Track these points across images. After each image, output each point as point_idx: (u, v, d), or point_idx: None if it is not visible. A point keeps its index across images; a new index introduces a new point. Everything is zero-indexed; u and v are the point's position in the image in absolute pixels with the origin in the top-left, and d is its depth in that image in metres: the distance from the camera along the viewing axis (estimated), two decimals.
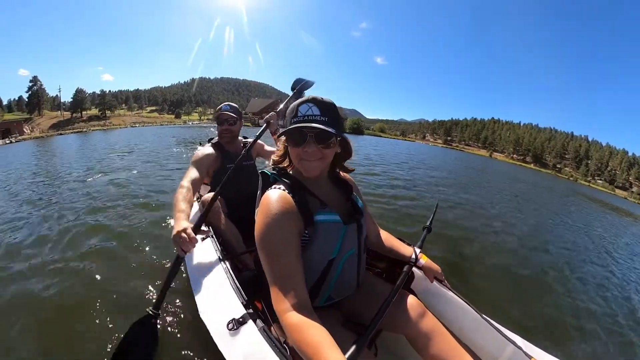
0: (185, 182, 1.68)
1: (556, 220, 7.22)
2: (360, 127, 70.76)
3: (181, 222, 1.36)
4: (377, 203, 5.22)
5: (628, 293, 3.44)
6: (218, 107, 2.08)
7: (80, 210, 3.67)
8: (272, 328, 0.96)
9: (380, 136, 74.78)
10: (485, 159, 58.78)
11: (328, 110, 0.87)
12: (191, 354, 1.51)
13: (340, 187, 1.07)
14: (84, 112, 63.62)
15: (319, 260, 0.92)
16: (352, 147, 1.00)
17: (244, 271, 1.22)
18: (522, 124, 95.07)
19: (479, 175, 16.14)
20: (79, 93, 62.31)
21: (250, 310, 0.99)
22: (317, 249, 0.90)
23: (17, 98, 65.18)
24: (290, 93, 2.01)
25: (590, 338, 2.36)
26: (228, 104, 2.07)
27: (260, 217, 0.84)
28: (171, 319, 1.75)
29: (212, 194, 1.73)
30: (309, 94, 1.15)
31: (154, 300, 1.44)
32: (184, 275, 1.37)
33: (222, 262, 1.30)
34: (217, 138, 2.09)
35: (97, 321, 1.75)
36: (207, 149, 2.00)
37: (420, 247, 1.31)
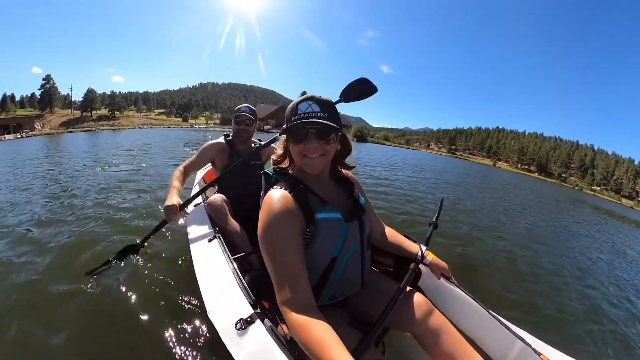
0: (182, 166, 2.02)
1: (560, 225, 7.30)
2: (364, 135, 71.37)
3: (172, 197, 1.80)
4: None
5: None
6: (237, 107, 2.15)
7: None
8: (279, 327, 0.96)
9: (384, 144, 75.01)
10: (488, 167, 58.53)
11: (327, 107, 0.89)
12: (199, 353, 1.52)
13: (342, 184, 1.07)
14: (93, 112, 65.36)
15: (321, 259, 0.92)
16: (353, 146, 1.03)
17: (250, 271, 1.25)
18: (526, 133, 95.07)
19: (480, 183, 15.93)
20: (89, 93, 64.21)
21: (258, 310, 0.99)
22: (319, 247, 0.90)
23: (29, 95, 67.22)
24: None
25: (597, 338, 2.35)
26: (247, 106, 2.14)
27: (262, 216, 0.85)
28: (179, 318, 1.74)
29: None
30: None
31: None
32: (191, 275, 1.40)
33: (229, 262, 1.31)
34: (231, 135, 2.17)
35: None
36: (217, 141, 2.11)
37: (426, 244, 1.30)
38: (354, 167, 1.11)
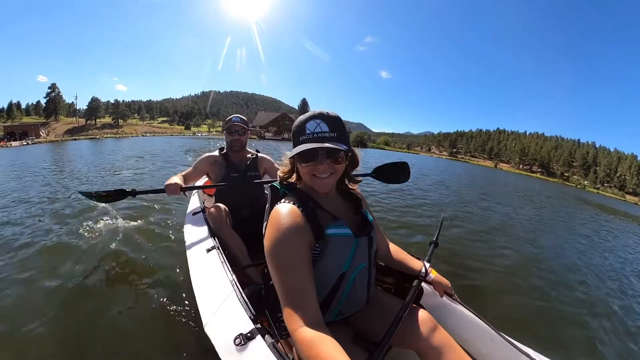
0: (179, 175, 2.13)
1: (565, 229, 7.06)
2: (364, 140, 72.15)
3: (174, 177, 1.94)
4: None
5: None
6: (228, 119, 2.15)
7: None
8: (281, 344, 0.94)
9: (384, 149, 75.05)
10: (490, 169, 57.92)
11: (336, 125, 0.88)
12: None
13: (350, 200, 1.07)
14: (98, 120, 66.51)
15: (330, 274, 0.91)
16: (360, 158, 1.03)
17: (248, 285, 1.22)
18: (527, 134, 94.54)
19: (481, 188, 15.02)
20: (94, 101, 65.61)
21: (259, 325, 0.95)
22: (328, 263, 0.89)
23: (35, 102, 68.84)
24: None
25: (601, 350, 2.24)
26: (237, 116, 2.15)
27: (270, 231, 0.84)
28: (172, 331, 1.67)
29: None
30: (313, 108, 1.13)
31: None
32: (187, 285, 1.36)
33: (227, 275, 1.27)
34: (225, 148, 2.18)
35: None
36: (211, 154, 2.15)
37: (428, 262, 1.29)
38: (361, 181, 1.12)
